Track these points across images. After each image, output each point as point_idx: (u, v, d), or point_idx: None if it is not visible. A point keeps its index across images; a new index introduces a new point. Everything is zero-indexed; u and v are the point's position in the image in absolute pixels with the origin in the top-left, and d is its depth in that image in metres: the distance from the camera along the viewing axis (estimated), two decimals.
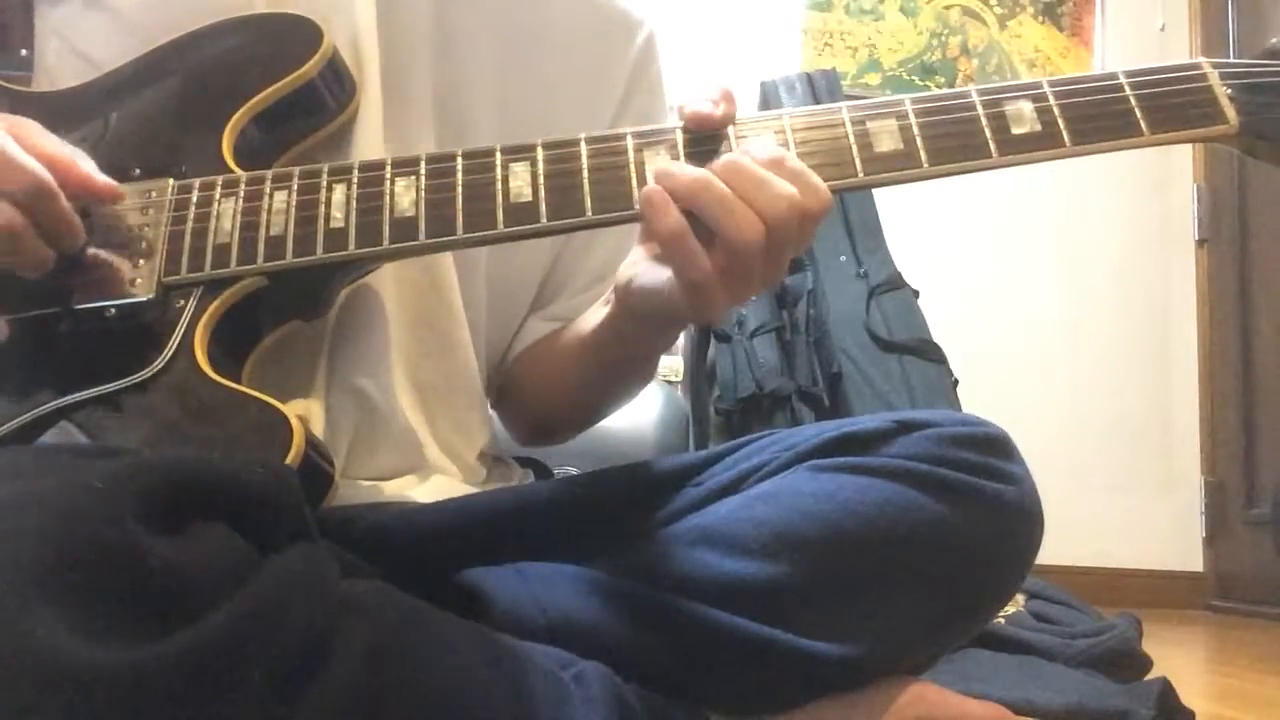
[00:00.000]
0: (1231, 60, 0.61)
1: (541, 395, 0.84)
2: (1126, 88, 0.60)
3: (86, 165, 0.61)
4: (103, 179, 0.62)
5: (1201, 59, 0.61)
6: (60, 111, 0.69)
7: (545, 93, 0.81)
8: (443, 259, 0.75)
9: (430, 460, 0.75)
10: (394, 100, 0.73)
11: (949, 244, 2.80)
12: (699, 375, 2.18)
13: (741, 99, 0.64)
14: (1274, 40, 0.62)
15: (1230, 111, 0.60)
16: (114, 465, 0.43)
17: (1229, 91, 0.60)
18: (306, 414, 0.69)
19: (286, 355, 0.68)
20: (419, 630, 0.47)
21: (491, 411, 0.86)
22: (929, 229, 2.65)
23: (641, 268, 0.63)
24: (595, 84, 0.85)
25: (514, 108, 0.79)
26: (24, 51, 0.79)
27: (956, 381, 2.04)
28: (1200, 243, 2.96)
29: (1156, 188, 2.97)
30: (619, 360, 0.76)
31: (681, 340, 2.18)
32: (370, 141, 0.71)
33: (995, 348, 2.77)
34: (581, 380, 0.80)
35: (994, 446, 0.67)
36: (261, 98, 0.68)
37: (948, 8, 2.97)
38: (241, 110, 0.68)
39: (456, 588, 0.61)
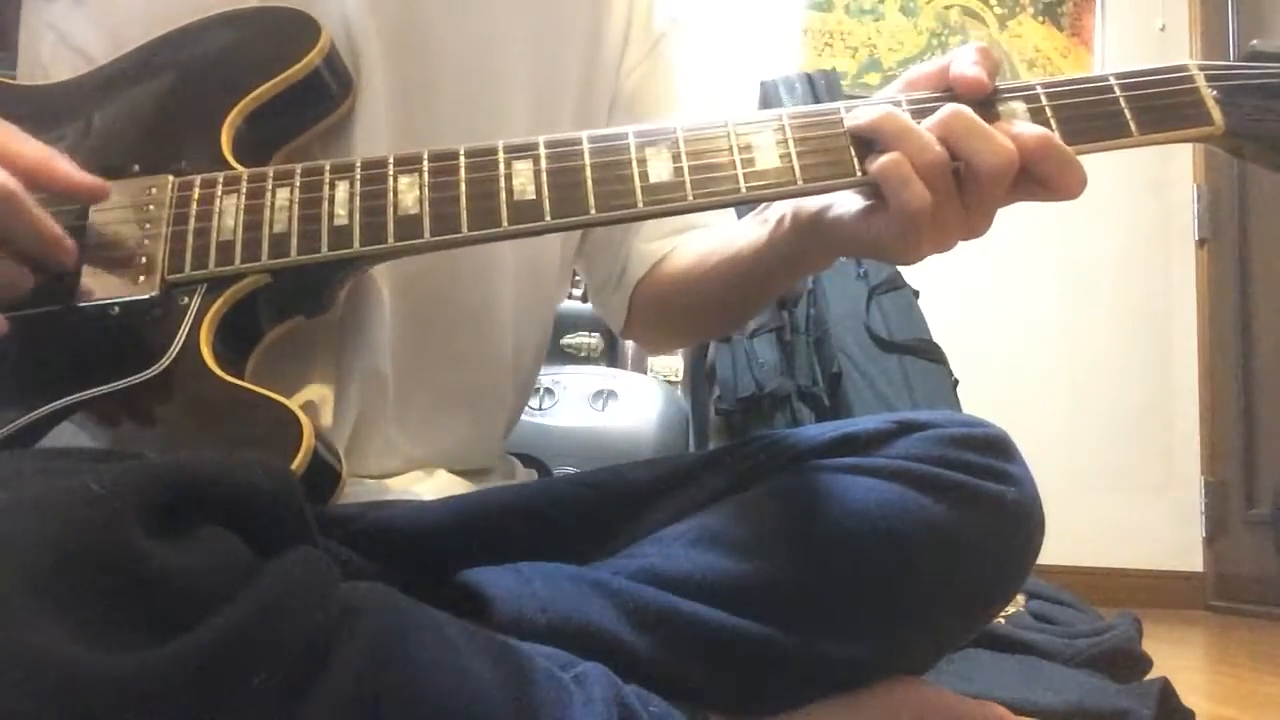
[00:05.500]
0: (1218, 63, 0.61)
1: (686, 309, 0.85)
2: (1117, 89, 0.61)
3: (64, 164, 0.59)
4: (82, 176, 0.60)
5: (1189, 61, 0.62)
6: (55, 106, 0.69)
7: (561, 52, 0.81)
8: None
9: (433, 459, 0.75)
10: (399, 90, 0.72)
11: None
12: (699, 375, 2.18)
13: (741, 99, 0.64)
14: (1254, 42, 0.62)
15: (1216, 113, 0.60)
16: (113, 469, 0.42)
17: (1215, 93, 0.60)
18: (318, 401, 0.69)
19: (297, 346, 0.68)
20: (419, 632, 0.47)
21: (500, 411, 0.84)
22: None
23: (837, 199, 0.63)
24: (597, 33, 0.85)
25: (543, 71, 0.79)
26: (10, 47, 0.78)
27: (956, 382, 2.04)
28: (1200, 243, 2.96)
29: (1156, 188, 2.97)
30: (776, 279, 0.76)
31: None
32: (371, 135, 0.71)
33: (995, 348, 2.77)
34: (736, 296, 0.80)
35: (995, 447, 0.67)
36: (260, 93, 0.67)
37: (948, 8, 2.97)
38: (239, 105, 0.67)
39: (456, 588, 0.60)
